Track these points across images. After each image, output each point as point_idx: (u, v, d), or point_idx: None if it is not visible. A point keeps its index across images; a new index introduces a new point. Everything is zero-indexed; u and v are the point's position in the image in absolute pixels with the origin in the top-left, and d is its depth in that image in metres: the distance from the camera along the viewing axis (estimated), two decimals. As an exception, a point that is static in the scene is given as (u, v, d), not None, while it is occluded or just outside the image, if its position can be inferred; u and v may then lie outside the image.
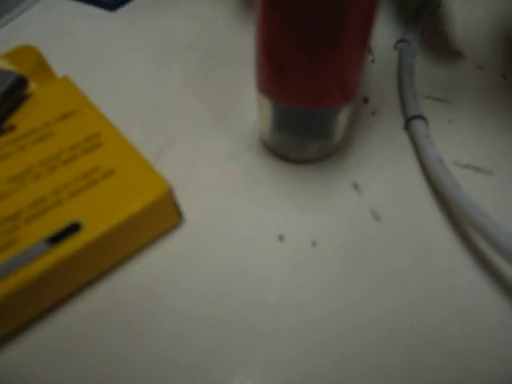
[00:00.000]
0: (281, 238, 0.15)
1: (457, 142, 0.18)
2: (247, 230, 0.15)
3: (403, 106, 0.19)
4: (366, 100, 0.19)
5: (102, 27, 0.23)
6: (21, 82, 0.16)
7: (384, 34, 0.23)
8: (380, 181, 0.17)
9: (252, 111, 0.18)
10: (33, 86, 0.17)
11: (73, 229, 0.13)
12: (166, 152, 0.17)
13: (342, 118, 0.15)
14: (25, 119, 0.15)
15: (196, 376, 0.12)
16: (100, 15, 0.24)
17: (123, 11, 0.24)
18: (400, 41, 0.22)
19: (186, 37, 0.22)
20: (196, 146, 0.18)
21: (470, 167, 0.17)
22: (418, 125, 0.18)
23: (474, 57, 0.22)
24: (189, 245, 0.15)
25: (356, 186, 0.16)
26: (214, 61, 0.21)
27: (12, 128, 0.15)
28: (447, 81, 0.21)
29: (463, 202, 0.15)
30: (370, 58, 0.21)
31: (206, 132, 0.18)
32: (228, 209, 0.16)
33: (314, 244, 0.15)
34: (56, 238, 0.13)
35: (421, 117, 0.18)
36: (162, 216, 0.14)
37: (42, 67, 0.18)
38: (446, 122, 0.19)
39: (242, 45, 0.22)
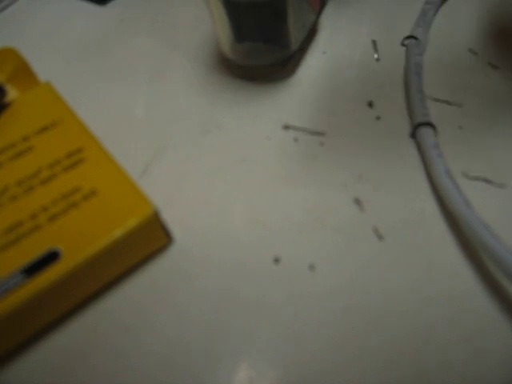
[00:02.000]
0: (276, 260, 0.14)
1: (466, 150, 0.17)
2: (241, 250, 0.14)
3: (410, 110, 0.18)
4: (370, 104, 0.18)
5: (90, 24, 0.21)
6: (-2, 91, 0.15)
7: (390, 28, 0.21)
8: (384, 195, 0.15)
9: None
10: (13, 93, 0.16)
11: (50, 258, 0.12)
12: (154, 164, 0.16)
13: (290, 14, 0.15)
14: (2, 132, 0.14)
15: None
16: (88, 10, 0.22)
17: (114, 4, 0.23)
18: (408, 37, 0.20)
19: (184, 32, 0.21)
20: (187, 156, 0.16)
21: (480, 179, 0.16)
22: (425, 133, 0.16)
23: (487, 54, 0.21)
24: (178, 267, 0.14)
25: (358, 202, 0.15)
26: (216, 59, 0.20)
27: (-12, 142, 0.14)
28: (457, 80, 0.19)
29: (474, 222, 0.14)
30: (375, 55, 0.20)
31: (198, 143, 0.17)
32: (220, 227, 0.15)
33: (311, 267, 0.14)
34: (32, 269, 0.12)
35: (429, 124, 0.17)
36: (147, 239, 0.13)
37: (24, 72, 0.17)
38: (455, 128, 0.18)
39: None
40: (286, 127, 0.17)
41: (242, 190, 0.15)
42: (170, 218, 0.15)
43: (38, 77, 0.17)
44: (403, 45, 0.21)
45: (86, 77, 0.19)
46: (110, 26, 0.21)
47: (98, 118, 0.17)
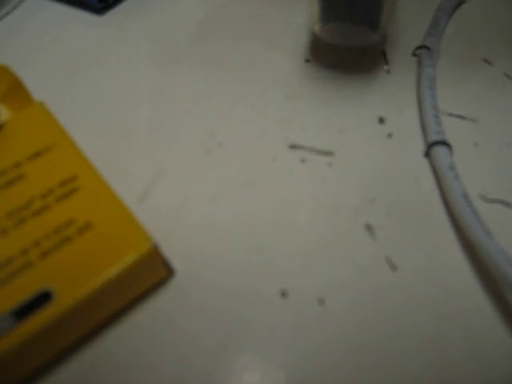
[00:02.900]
0: (283, 294, 0.13)
1: (484, 170, 0.16)
2: (245, 282, 0.13)
3: (423, 127, 0.17)
4: (381, 120, 0.17)
5: (86, 35, 0.21)
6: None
7: (401, 38, 0.20)
8: (396, 221, 0.15)
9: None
10: (5, 114, 0.15)
11: (42, 298, 0.11)
12: (154, 187, 0.15)
13: None
14: (-7, 158, 0.14)
15: None
16: (85, 20, 0.21)
17: (113, 14, 0.22)
18: (420, 47, 0.19)
19: (186, 42, 0.20)
20: (188, 179, 0.16)
21: (498, 202, 0.15)
22: (440, 153, 0.16)
23: (503, 64, 0.20)
24: (179, 302, 0.13)
25: (369, 228, 0.14)
26: (216, 72, 0.19)
27: (-22, 169, 0.13)
28: (472, 93, 0.18)
29: (495, 254, 0.13)
30: (385, 67, 0.19)
31: (200, 164, 0.16)
32: (223, 257, 0.14)
33: (321, 302, 0.13)
34: (23, 311, 0.11)
35: (444, 143, 0.16)
36: (146, 274, 0.12)
37: (17, 91, 0.16)
38: (471, 145, 0.17)
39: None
40: (293, 147, 0.16)
41: (246, 216, 0.15)
42: (171, 247, 0.14)
43: (32, 94, 0.16)
44: (414, 55, 0.20)
45: (82, 93, 0.18)
46: (108, 38, 0.20)
47: (95, 138, 0.17)
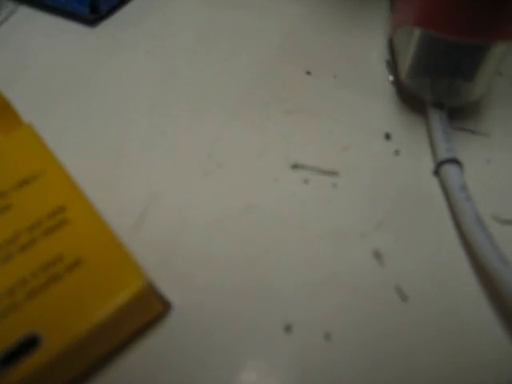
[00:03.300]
0: (287, 328, 0.12)
1: (497, 189, 0.15)
2: (247, 316, 0.13)
3: (432, 143, 0.16)
4: (387, 136, 0.16)
5: (78, 49, 0.20)
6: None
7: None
8: (406, 246, 0.14)
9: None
10: (-8, 137, 0.14)
11: (29, 344, 0.10)
12: (149, 213, 0.15)
13: (494, 57, 0.14)
14: (-22, 188, 0.13)
15: None
16: (77, 32, 0.20)
17: (106, 25, 0.21)
18: (426, 56, 0.19)
19: (182, 54, 0.19)
20: (185, 203, 0.15)
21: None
22: (451, 172, 0.15)
23: (514, 73, 0.19)
24: (176, 339, 0.12)
25: (377, 255, 0.14)
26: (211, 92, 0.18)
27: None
28: (483, 106, 0.18)
29: (512, 283, 0.12)
30: (390, 77, 0.18)
31: (198, 187, 0.15)
32: (223, 288, 0.13)
33: (327, 336, 0.12)
34: (9, 358, 0.10)
35: (454, 160, 0.15)
36: (139, 313, 0.12)
37: (5, 112, 0.15)
38: (483, 162, 0.16)
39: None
40: (295, 166, 0.15)
41: (247, 244, 0.14)
42: (168, 279, 0.13)
43: (20, 113, 0.15)
44: (421, 65, 0.19)
45: (73, 111, 0.17)
46: (101, 51, 0.19)
47: (86, 160, 0.16)
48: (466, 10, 0.13)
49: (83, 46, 0.20)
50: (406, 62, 0.16)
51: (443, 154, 0.15)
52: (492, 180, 0.15)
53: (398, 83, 0.18)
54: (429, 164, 0.16)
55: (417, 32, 0.15)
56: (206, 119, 0.17)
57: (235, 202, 0.15)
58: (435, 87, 0.16)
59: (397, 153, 0.16)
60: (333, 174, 0.15)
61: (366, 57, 0.18)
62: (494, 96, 0.18)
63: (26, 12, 0.22)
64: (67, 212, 0.12)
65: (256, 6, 0.21)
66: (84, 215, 0.12)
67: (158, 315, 0.13)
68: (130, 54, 0.19)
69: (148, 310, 0.12)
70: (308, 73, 0.18)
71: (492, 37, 0.14)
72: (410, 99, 0.17)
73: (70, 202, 0.12)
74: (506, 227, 0.14)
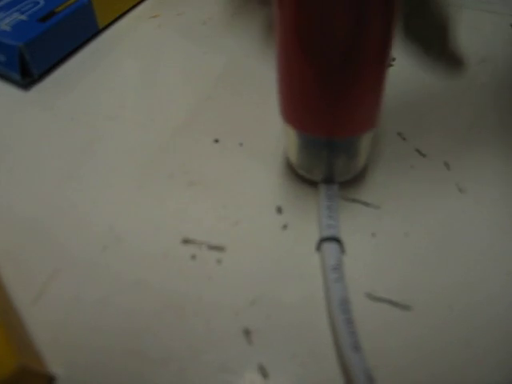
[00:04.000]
0: (151, 407, 0.14)
1: (376, 265, 0.16)
2: (119, 393, 0.14)
3: (318, 219, 0.17)
4: (279, 210, 0.17)
5: (7, 112, 0.21)
6: None
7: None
8: (275, 325, 0.15)
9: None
10: None
11: None
12: (50, 286, 0.16)
13: (365, 141, 0.16)
14: None
15: None
16: (9, 95, 0.22)
17: (40, 87, 0.22)
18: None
19: (108, 121, 0.20)
20: (82, 278, 0.16)
21: (384, 301, 0.15)
22: (327, 251, 0.16)
23: (415, 139, 0.19)
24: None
25: (247, 333, 0.15)
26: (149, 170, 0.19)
27: None
28: (378, 176, 0.18)
29: (357, 371, 0.13)
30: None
31: (95, 262, 0.16)
32: (106, 363, 0.14)
33: (186, 416, 0.13)
34: None
35: (334, 239, 0.16)
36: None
37: None
38: (368, 235, 0.17)
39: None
40: (186, 241, 0.16)
41: (130, 320, 0.15)
42: (58, 351, 0.14)
43: None
44: (328, 131, 0.19)
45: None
46: (29, 116, 0.21)
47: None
48: (308, 110, 0.14)
49: (14, 110, 0.21)
50: (291, 149, 0.17)
51: (324, 232, 0.16)
52: (372, 255, 0.16)
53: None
54: (315, 239, 0.16)
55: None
56: (116, 190, 0.18)
57: (125, 278, 0.16)
58: (322, 168, 0.17)
59: (285, 227, 0.17)
60: (220, 249, 0.16)
61: (272, 125, 0.19)
62: (392, 164, 0.18)
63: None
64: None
65: (177, 72, 0.22)
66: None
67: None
68: (56, 119, 0.21)
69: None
70: (216, 141, 0.19)
71: (336, 133, 0.15)
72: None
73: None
74: (378, 304, 0.15)
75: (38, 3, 0.23)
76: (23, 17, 0.22)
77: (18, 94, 0.22)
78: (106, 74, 0.22)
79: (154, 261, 0.16)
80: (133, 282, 0.16)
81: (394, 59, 0.23)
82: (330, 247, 0.16)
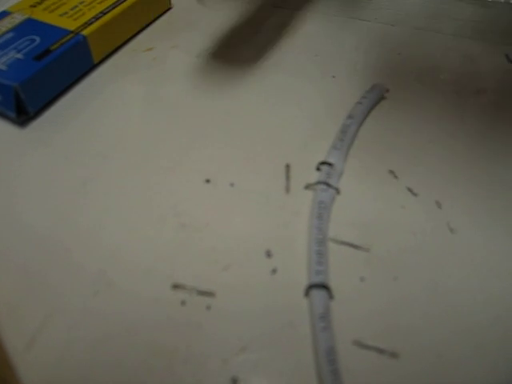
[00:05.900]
0: None
1: (364, 312, 0.16)
2: None
3: (308, 263, 0.17)
4: (268, 253, 0.17)
5: (3, 149, 0.21)
6: None
7: (305, 151, 0.20)
8: (264, 374, 0.15)
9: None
10: None
11: None
12: (42, 332, 0.16)
13: None
14: None
15: None
16: (6, 132, 0.22)
17: (35, 125, 0.22)
18: (323, 163, 0.19)
19: (100, 162, 0.21)
20: (73, 324, 0.16)
21: (372, 349, 0.15)
22: (315, 299, 0.16)
23: (407, 178, 0.19)
24: None
25: (234, 381, 0.15)
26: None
27: None
28: (373, 209, 0.18)
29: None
30: (286, 185, 0.19)
31: (86, 305, 0.17)
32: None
33: None
34: None
35: (322, 285, 0.16)
36: None
37: None
38: (357, 280, 0.17)
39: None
40: (176, 287, 0.17)
41: (119, 367, 0.15)
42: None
43: None
44: (318, 169, 0.20)
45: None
46: (24, 154, 0.21)
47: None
48: None
49: (9, 148, 0.21)
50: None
51: (313, 278, 0.16)
52: (361, 302, 0.16)
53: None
54: (303, 284, 0.17)
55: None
56: (107, 233, 0.18)
57: (116, 324, 0.16)
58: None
59: (274, 271, 0.17)
60: (209, 294, 0.16)
61: (263, 165, 0.19)
62: (383, 205, 0.18)
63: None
64: None
65: (171, 109, 0.22)
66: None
67: None
68: (51, 158, 0.21)
69: None
70: (207, 181, 0.19)
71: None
72: (299, 212, 0.18)
73: None
74: (365, 351, 0.15)
75: (35, 40, 0.23)
76: (19, 55, 0.22)
77: (13, 132, 0.22)
78: (101, 110, 0.23)
79: (145, 306, 0.16)
80: (123, 328, 0.16)
81: (387, 90, 0.23)
82: (317, 294, 0.16)
